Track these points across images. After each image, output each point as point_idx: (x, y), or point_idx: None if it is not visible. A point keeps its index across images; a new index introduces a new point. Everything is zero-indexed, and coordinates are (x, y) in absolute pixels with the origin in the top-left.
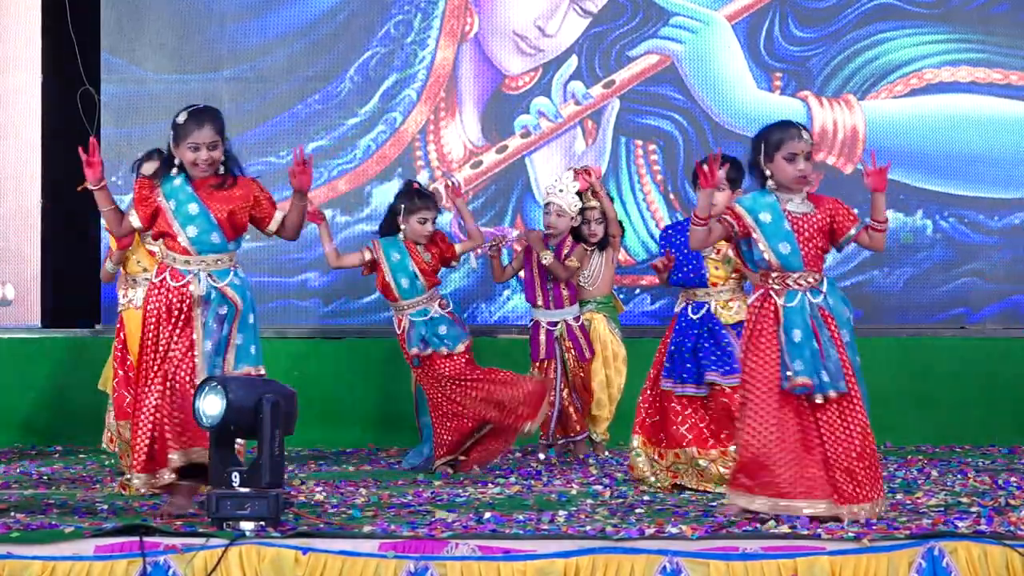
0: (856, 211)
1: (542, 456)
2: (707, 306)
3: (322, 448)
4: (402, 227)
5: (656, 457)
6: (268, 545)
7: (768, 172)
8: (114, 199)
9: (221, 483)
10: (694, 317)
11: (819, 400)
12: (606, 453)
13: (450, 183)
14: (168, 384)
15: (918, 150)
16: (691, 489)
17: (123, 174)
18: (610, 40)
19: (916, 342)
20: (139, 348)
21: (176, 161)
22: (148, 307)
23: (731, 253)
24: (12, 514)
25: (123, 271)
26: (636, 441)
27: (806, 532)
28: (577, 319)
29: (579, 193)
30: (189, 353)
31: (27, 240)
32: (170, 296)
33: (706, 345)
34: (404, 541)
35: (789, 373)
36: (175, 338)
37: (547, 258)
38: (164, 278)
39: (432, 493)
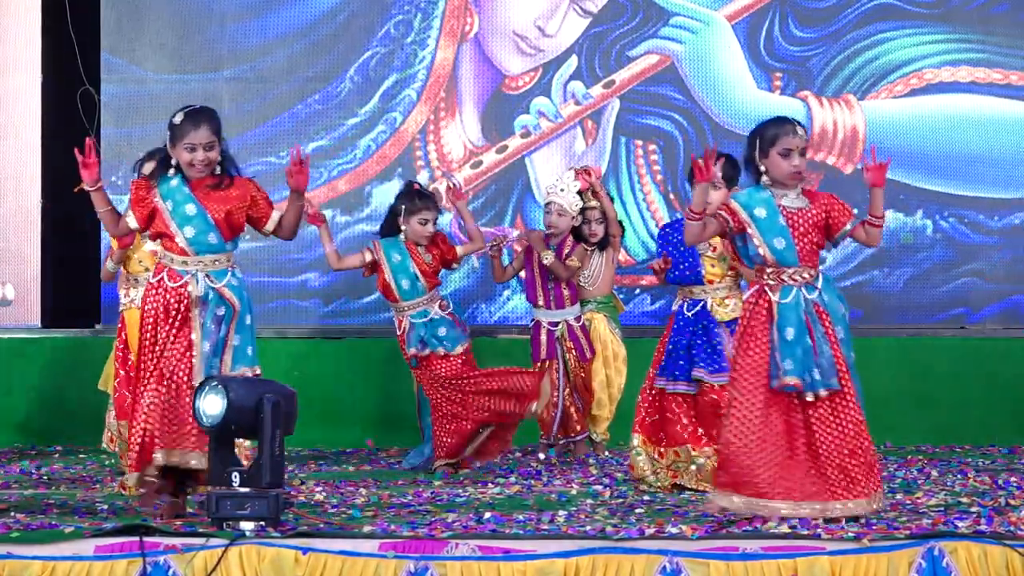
0: (856, 211)
1: (542, 456)
2: (703, 303)
3: (322, 448)
4: (403, 228)
5: (656, 456)
6: (268, 545)
7: (763, 168)
8: (110, 200)
9: (221, 483)
10: (689, 315)
11: (810, 398)
12: (606, 453)
13: (451, 184)
14: (164, 384)
15: (918, 150)
16: (691, 489)
17: (123, 174)
18: (610, 40)
19: (916, 342)
20: (137, 348)
21: (173, 162)
22: (146, 307)
23: (727, 250)
24: (12, 514)
25: (124, 271)
26: (636, 440)
27: (806, 532)
28: (578, 319)
29: (579, 193)
30: (187, 353)
31: (27, 240)
32: (168, 296)
33: (698, 342)
34: (404, 541)
35: (780, 372)
36: (172, 338)
37: (548, 258)
38: (162, 278)
39: (432, 493)
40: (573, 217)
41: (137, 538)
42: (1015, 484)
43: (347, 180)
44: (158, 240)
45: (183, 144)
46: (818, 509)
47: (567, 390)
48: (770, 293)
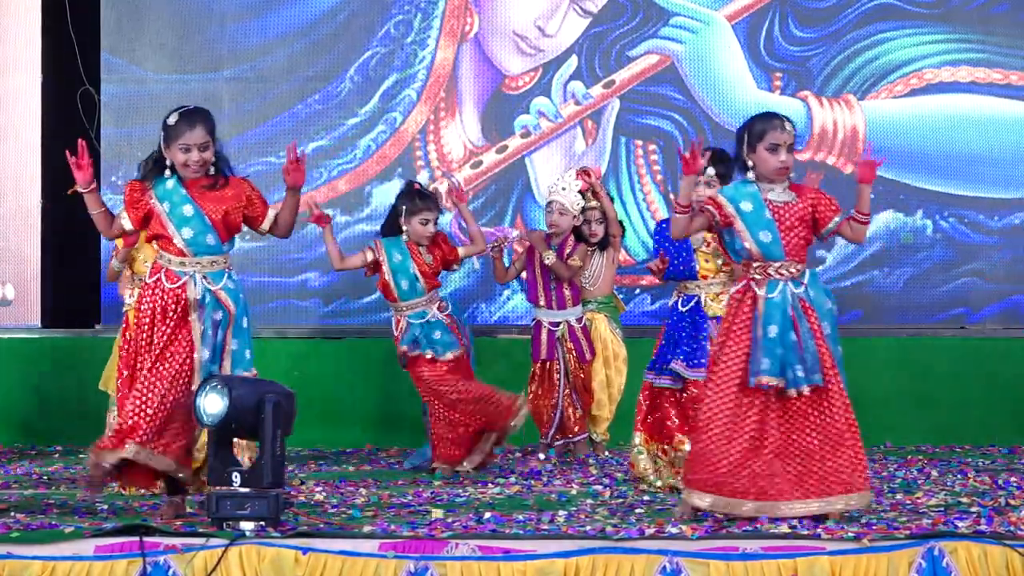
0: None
1: (542, 456)
2: (696, 299)
3: (322, 448)
4: (404, 228)
5: (660, 454)
6: (268, 545)
7: (750, 163)
8: (104, 201)
9: (221, 483)
10: (683, 310)
11: (792, 394)
12: (606, 453)
13: (453, 185)
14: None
15: (918, 150)
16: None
17: (123, 174)
18: (610, 40)
19: (916, 342)
20: (133, 346)
21: (167, 162)
22: (142, 306)
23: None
24: (12, 514)
25: (129, 270)
26: (638, 439)
27: (806, 532)
28: (579, 320)
29: (580, 193)
30: (187, 360)
31: (27, 240)
32: (165, 297)
33: (683, 336)
34: (404, 541)
35: (758, 369)
36: (169, 339)
37: (549, 258)
38: (159, 279)
39: (432, 493)
40: (575, 216)
41: (137, 538)
42: (1015, 484)
43: (347, 180)
44: (154, 241)
45: (178, 144)
46: (796, 508)
47: (566, 391)
48: (756, 288)
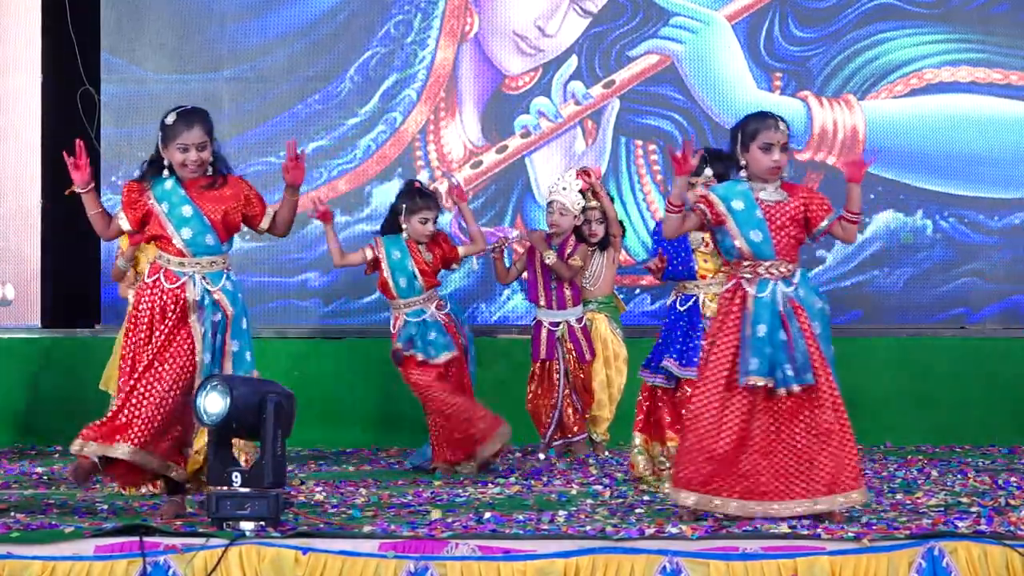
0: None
1: (542, 456)
2: (695, 299)
3: (322, 448)
4: (404, 227)
5: (664, 456)
6: (268, 545)
7: (743, 162)
8: (101, 203)
9: (221, 483)
10: (682, 309)
11: (782, 394)
12: (606, 453)
13: (453, 184)
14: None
15: (918, 150)
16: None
17: (123, 174)
18: (610, 40)
19: (916, 342)
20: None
21: (165, 162)
22: (140, 306)
23: None
24: (12, 514)
25: (133, 271)
26: (638, 439)
27: (806, 532)
28: (580, 320)
29: (581, 192)
30: (188, 362)
31: (27, 240)
32: (164, 297)
33: (678, 335)
34: (404, 541)
35: (747, 369)
36: (167, 339)
37: (550, 258)
38: (158, 279)
39: (432, 493)
40: (575, 216)
41: (137, 538)
42: (1015, 484)
43: (347, 180)
44: (153, 242)
45: (176, 144)
46: (782, 508)
47: (566, 391)
48: (746, 286)
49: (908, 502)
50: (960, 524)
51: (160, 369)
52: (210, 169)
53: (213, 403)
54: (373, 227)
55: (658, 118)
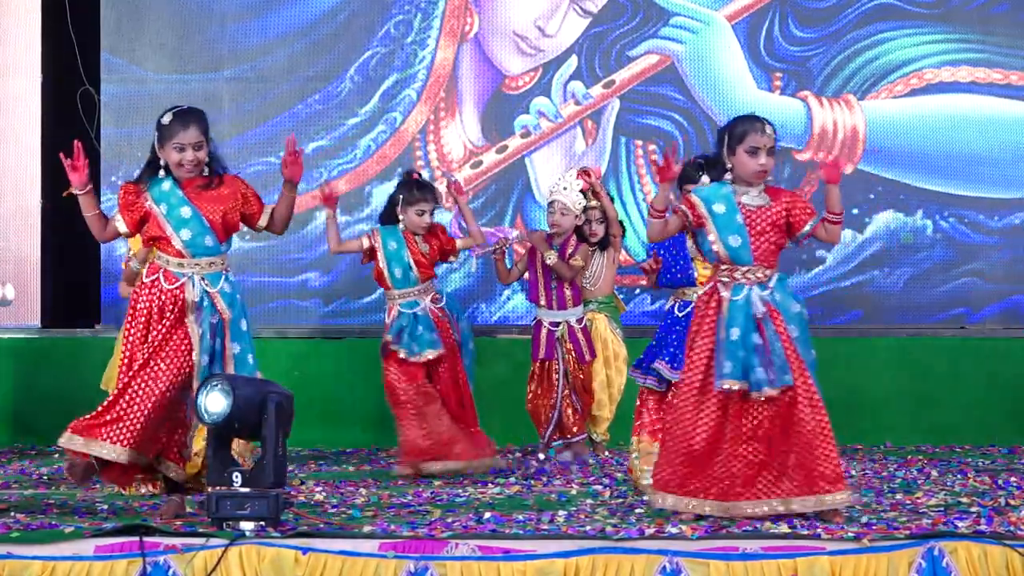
0: (857, 211)
1: (542, 456)
2: (692, 305)
3: (322, 448)
4: (400, 218)
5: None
6: (268, 545)
7: (729, 165)
8: (98, 205)
9: (221, 483)
10: (680, 315)
11: (755, 397)
12: (606, 453)
13: (451, 181)
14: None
15: (918, 150)
16: None
17: (123, 174)
18: (610, 40)
19: (916, 342)
20: (130, 346)
21: (161, 163)
22: (138, 305)
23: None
24: (12, 514)
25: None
26: (636, 444)
27: (806, 532)
28: (580, 320)
29: (581, 192)
30: (186, 363)
31: (27, 240)
32: (163, 297)
33: (672, 339)
34: (404, 541)
35: (721, 372)
36: (165, 340)
37: (551, 258)
38: (157, 279)
39: (432, 493)
40: (576, 216)
41: (137, 538)
42: (1015, 484)
43: (347, 180)
44: (151, 243)
45: (172, 144)
46: (757, 509)
47: (565, 391)
48: (721, 290)
49: (908, 502)
50: (960, 524)
51: (156, 369)
52: (206, 169)
53: (215, 402)
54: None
55: (658, 118)
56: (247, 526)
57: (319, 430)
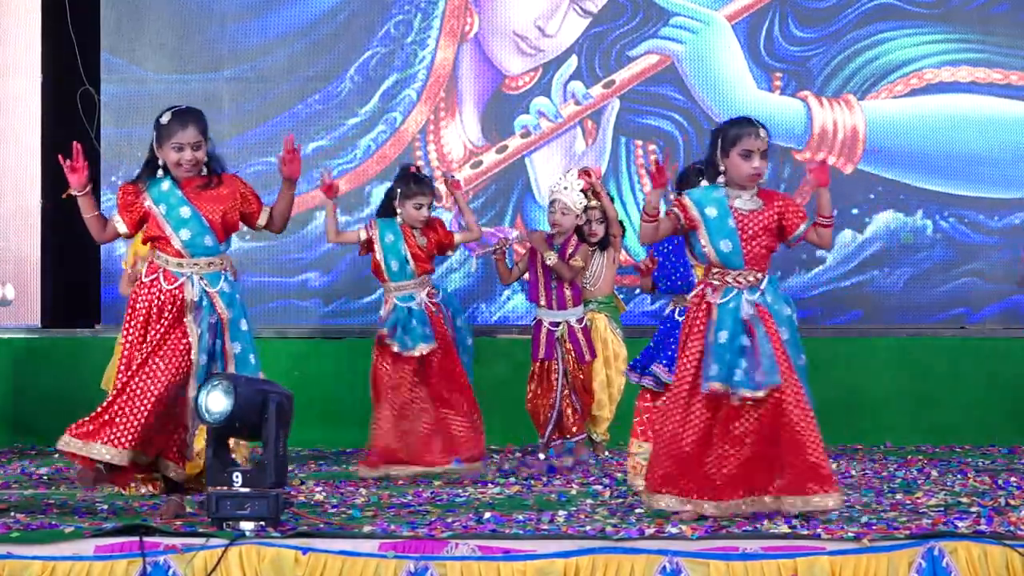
0: (856, 211)
1: (542, 456)
2: None
3: (322, 448)
4: (398, 211)
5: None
6: (268, 545)
7: (722, 167)
8: (97, 206)
9: (221, 483)
10: (679, 319)
11: (737, 400)
12: (606, 453)
13: (449, 178)
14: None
15: (918, 150)
16: None
17: (123, 174)
18: (610, 40)
19: (916, 342)
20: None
21: (160, 163)
22: (137, 304)
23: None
24: (12, 514)
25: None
26: (636, 445)
27: (806, 532)
28: (580, 320)
29: (582, 191)
30: (184, 363)
31: (27, 240)
32: (162, 297)
33: (671, 342)
34: (404, 541)
35: (707, 375)
36: (164, 339)
37: (551, 258)
38: (156, 278)
39: (432, 493)
40: (577, 215)
41: (137, 538)
42: (1015, 484)
43: (347, 180)
44: (150, 243)
45: (171, 144)
46: (750, 506)
47: (564, 391)
48: (711, 293)
49: (908, 502)
50: (960, 524)
51: (154, 368)
52: (204, 169)
53: (216, 402)
54: None
55: (658, 118)
56: (247, 526)
57: (319, 430)
